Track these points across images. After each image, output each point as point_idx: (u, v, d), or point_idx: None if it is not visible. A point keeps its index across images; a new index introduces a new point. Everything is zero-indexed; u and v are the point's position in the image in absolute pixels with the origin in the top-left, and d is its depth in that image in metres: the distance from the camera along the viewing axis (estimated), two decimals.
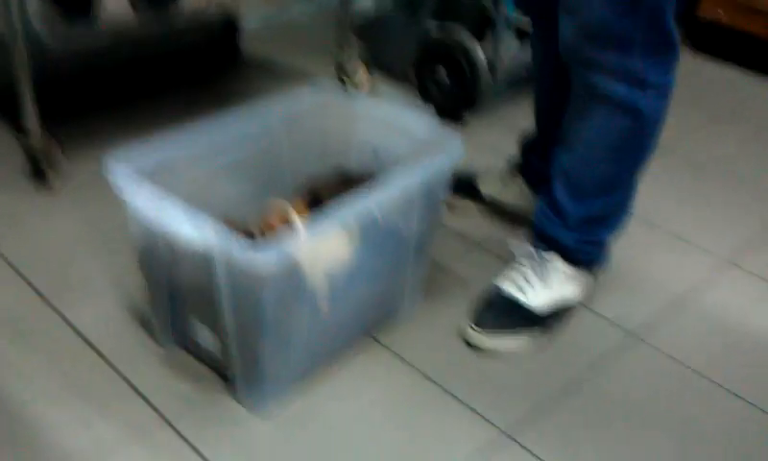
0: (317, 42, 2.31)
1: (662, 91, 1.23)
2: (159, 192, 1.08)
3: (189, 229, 1.03)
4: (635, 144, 1.26)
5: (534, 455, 1.13)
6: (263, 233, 1.25)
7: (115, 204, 1.13)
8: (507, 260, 1.42)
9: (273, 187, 1.41)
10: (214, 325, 1.15)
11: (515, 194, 1.63)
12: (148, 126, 1.84)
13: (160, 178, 1.16)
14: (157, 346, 1.26)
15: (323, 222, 1.08)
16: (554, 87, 1.47)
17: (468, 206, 1.65)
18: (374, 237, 1.18)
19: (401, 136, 1.35)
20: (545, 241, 1.35)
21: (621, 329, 1.38)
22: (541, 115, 1.53)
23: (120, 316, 1.32)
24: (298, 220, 1.20)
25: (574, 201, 1.30)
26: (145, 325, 1.29)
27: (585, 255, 1.36)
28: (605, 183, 1.30)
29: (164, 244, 1.11)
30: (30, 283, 1.37)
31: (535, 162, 1.56)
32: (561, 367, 1.29)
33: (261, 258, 0.99)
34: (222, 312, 1.09)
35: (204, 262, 1.05)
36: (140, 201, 1.09)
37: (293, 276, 1.06)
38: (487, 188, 1.66)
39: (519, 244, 1.39)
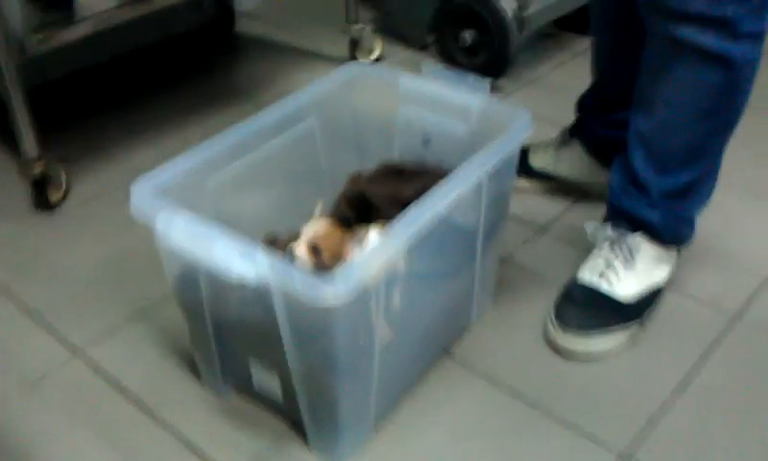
0: (321, 16, 2.10)
1: (757, 41, 1.06)
2: (195, 219, 0.91)
3: (239, 262, 0.86)
4: (725, 102, 1.09)
5: None
6: (315, 253, 1.07)
7: (132, 220, 0.96)
8: (582, 245, 1.25)
9: (310, 187, 1.24)
10: (274, 364, 0.99)
11: (571, 164, 1.46)
12: (149, 124, 1.69)
13: (187, 196, 0.99)
14: (204, 389, 1.10)
15: (390, 239, 0.91)
16: (614, 41, 1.31)
17: (521, 184, 1.48)
18: (440, 243, 1.02)
19: (455, 116, 1.17)
20: (626, 220, 1.19)
21: (720, 312, 1.22)
22: (603, 73, 1.36)
23: (154, 355, 1.16)
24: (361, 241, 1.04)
25: (657, 173, 1.14)
26: (186, 365, 1.14)
27: (672, 233, 1.19)
28: (692, 151, 1.13)
29: (208, 278, 0.95)
30: (47, 324, 1.21)
31: (595, 126, 1.40)
32: (666, 364, 1.13)
33: (330, 292, 0.82)
34: (285, 352, 0.93)
35: (259, 297, 0.88)
36: (175, 232, 0.91)
37: (364, 303, 0.90)
38: (537, 161, 1.49)
39: (596, 226, 1.22)
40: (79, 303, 1.25)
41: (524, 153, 1.49)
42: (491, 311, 1.21)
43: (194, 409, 1.08)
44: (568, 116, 1.45)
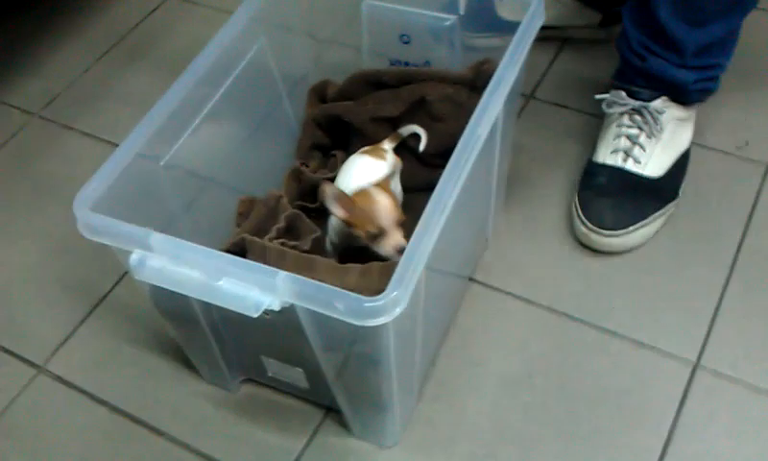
0: None
1: None
2: (177, 248, 0.71)
3: (258, 295, 0.67)
4: None
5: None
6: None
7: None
8: (580, 104, 1.09)
9: (274, 124, 1.03)
10: (298, 362, 0.84)
11: (555, 13, 1.26)
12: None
13: (142, 192, 0.80)
14: (202, 384, 0.94)
15: (425, 232, 0.72)
16: None
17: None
18: (462, 206, 0.85)
19: (438, 6, 0.96)
20: (651, 82, 1.03)
21: (753, 162, 1.11)
22: None
23: (129, 354, 0.98)
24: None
25: (691, 26, 0.97)
26: (172, 358, 0.97)
27: (702, 91, 1.05)
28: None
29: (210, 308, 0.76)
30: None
31: None
32: (710, 240, 1.02)
33: (384, 315, 0.65)
34: (324, 370, 0.78)
35: (282, 315, 0.71)
36: (160, 278, 0.71)
37: (414, 305, 0.73)
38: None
39: (612, 95, 1.06)
40: (26, 314, 1.05)
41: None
42: (502, 215, 1.07)
43: (196, 410, 0.92)
44: None
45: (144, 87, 1.32)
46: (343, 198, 0.85)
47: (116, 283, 1.05)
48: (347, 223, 0.86)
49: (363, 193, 0.87)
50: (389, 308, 0.65)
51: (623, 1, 1.15)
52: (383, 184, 0.88)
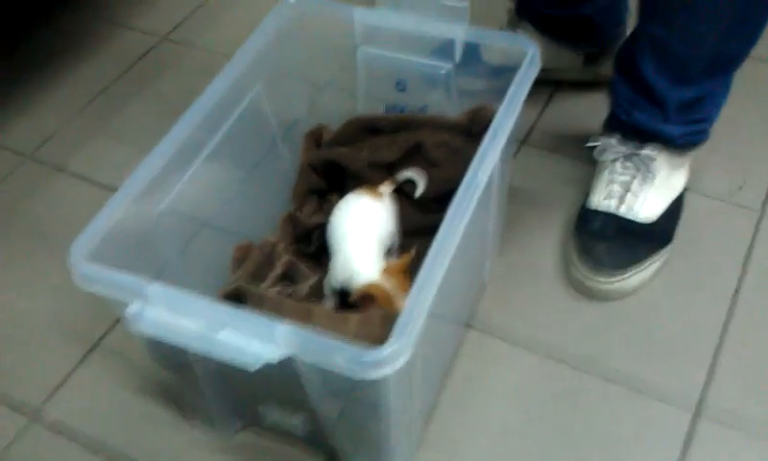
0: None
1: None
2: (176, 299, 0.70)
3: (258, 347, 0.67)
4: (763, 5, 0.91)
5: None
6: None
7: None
8: (570, 152, 1.10)
9: (269, 168, 1.03)
10: (295, 410, 0.83)
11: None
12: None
13: (137, 240, 0.80)
14: (198, 430, 0.93)
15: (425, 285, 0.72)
16: None
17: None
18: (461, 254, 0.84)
19: (434, 53, 0.96)
20: (639, 135, 1.04)
21: (746, 208, 1.11)
22: None
23: (126, 399, 0.96)
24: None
25: (674, 84, 0.97)
26: (168, 403, 0.95)
27: (690, 142, 1.05)
28: (718, 60, 0.96)
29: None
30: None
31: (539, 5, 1.22)
32: (707, 283, 1.02)
33: (385, 368, 0.65)
34: (313, 408, 0.77)
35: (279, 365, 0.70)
36: (157, 329, 0.70)
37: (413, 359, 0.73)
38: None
39: (604, 143, 1.06)
40: (18, 360, 1.03)
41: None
42: (499, 259, 1.07)
43: (195, 458, 0.90)
44: None
45: (138, 128, 1.31)
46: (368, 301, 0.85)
47: (111, 328, 1.03)
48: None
49: (383, 295, 0.86)
50: (391, 360, 0.64)
51: (595, 39, 1.16)
52: (397, 268, 0.88)
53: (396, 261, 0.89)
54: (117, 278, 0.71)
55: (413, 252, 0.87)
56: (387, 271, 0.87)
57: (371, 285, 0.85)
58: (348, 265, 0.89)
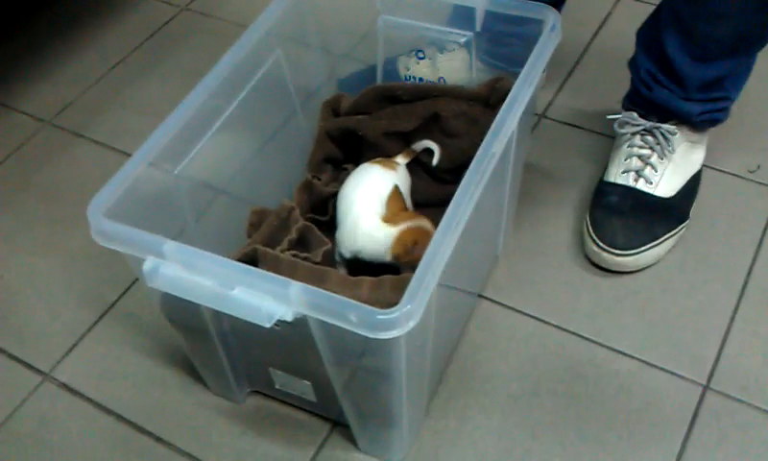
0: None
1: None
2: (190, 256, 0.71)
3: (271, 305, 0.67)
4: None
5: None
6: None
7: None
8: (590, 124, 1.09)
9: (288, 135, 1.03)
10: (306, 375, 0.84)
11: None
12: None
13: (156, 199, 0.81)
14: (210, 395, 0.94)
15: (440, 242, 0.72)
16: None
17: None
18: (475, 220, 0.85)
19: (453, 21, 0.96)
20: (658, 112, 1.03)
21: (764, 186, 1.10)
22: None
23: (137, 363, 0.98)
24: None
25: (696, 62, 0.97)
26: (179, 368, 0.97)
27: (710, 120, 1.05)
28: (741, 39, 0.95)
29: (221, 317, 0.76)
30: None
31: None
32: (721, 260, 1.02)
33: (398, 328, 0.65)
34: (333, 383, 0.77)
35: (293, 325, 0.71)
36: (173, 285, 0.71)
37: (425, 319, 0.73)
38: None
39: (624, 116, 1.06)
40: (33, 321, 1.04)
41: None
42: (513, 232, 1.07)
43: (202, 421, 0.91)
44: None
45: (157, 97, 1.32)
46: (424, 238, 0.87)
47: (124, 292, 1.05)
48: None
49: (421, 232, 0.88)
50: (402, 322, 0.65)
51: None
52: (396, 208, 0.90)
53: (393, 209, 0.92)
54: (134, 234, 0.72)
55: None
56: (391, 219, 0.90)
57: (408, 230, 0.88)
58: (355, 233, 0.89)
